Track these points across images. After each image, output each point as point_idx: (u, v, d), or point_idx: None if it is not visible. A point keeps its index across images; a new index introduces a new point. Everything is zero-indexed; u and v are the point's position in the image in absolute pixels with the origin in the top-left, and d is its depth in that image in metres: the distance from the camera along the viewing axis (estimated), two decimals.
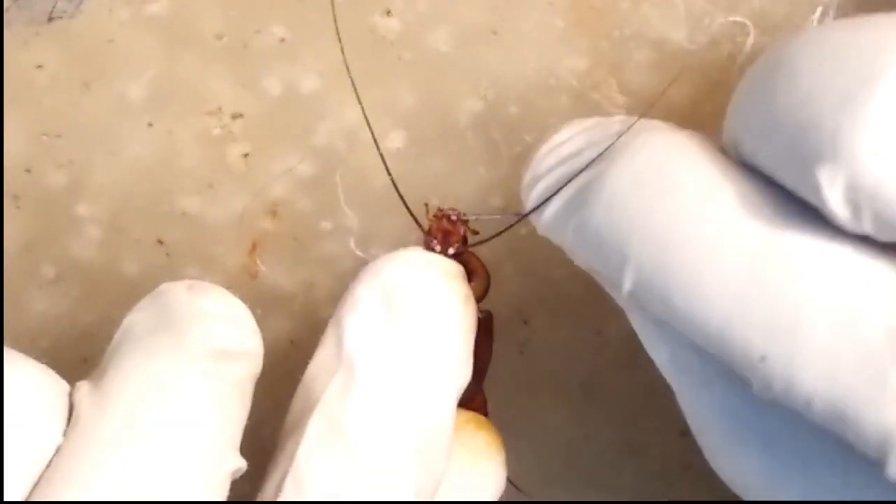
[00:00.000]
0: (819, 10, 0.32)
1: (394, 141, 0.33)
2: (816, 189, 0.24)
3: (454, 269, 0.29)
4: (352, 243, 0.33)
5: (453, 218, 0.30)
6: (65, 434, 0.25)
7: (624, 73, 0.33)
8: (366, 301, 0.27)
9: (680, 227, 0.25)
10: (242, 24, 0.33)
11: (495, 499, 0.29)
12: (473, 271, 0.30)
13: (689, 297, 0.25)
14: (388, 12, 0.33)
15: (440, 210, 0.30)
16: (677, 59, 0.33)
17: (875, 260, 0.24)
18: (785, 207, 0.25)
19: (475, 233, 0.30)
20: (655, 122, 0.28)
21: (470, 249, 0.30)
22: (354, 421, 0.26)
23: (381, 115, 0.33)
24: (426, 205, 0.30)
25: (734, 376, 0.25)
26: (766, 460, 0.26)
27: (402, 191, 0.30)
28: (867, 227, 0.24)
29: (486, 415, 0.30)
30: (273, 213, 0.34)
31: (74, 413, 0.25)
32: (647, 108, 0.30)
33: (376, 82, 0.33)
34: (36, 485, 0.24)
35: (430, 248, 0.30)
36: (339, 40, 0.31)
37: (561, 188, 0.27)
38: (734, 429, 0.26)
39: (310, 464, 0.26)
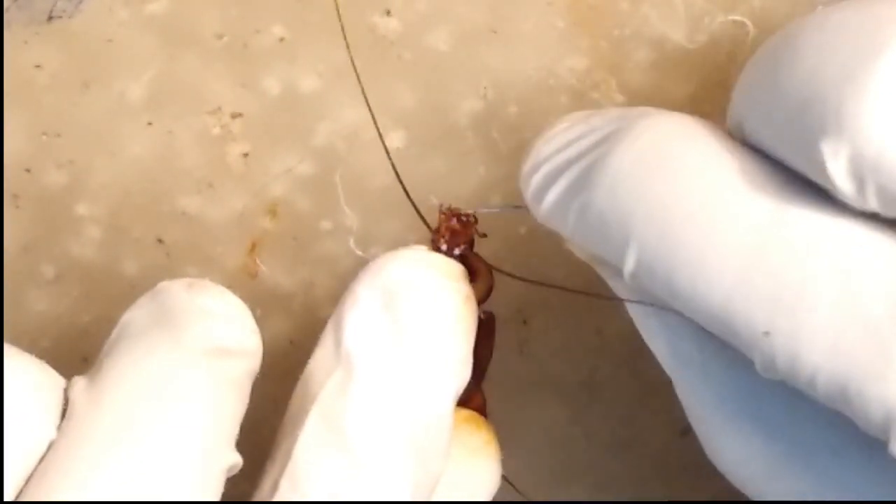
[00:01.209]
0: (818, 9, 0.32)
1: (394, 141, 0.33)
2: (820, 163, 0.24)
3: (456, 269, 0.29)
4: (351, 243, 0.33)
5: (463, 218, 0.30)
6: (59, 429, 0.25)
7: (623, 73, 0.33)
8: (366, 300, 0.27)
9: (683, 204, 0.25)
10: (242, 24, 0.33)
11: (490, 496, 0.29)
12: (476, 272, 0.30)
13: (692, 274, 0.25)
14: (388, 12, 0.33)
15: (450, 209, 0.30)
16: (677, 58, 0.33)
17: (880, 234, 0.24)
18: (789, 184, 0.25)
19: (483, 236, 0.30)
20: (657, 109, 0.28)
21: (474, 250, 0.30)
22: (352, 419, 0.26)
23: (381, 114, 0.33)
24: (441, 206, 0.30)
25: (735, 366, 0.25)
26: (767, 448, 0.26)
27: (401, 191, 0.30)
28: (872, 202, 0.24)
29: (484, 414, 0.30)
30: (273, 212, 0.34)
31: (69, 408, 0.25)
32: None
33: (376, 82, 0.33)
34: (28, 480, 0.24)
35: (436, 246, 0.29)
36: (347, 42, 0.31)
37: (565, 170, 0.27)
38: (735, 418, 0.26)
39: (306, 462, 0.26)
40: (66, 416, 0.25)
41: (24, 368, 0.25)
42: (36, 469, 0.24)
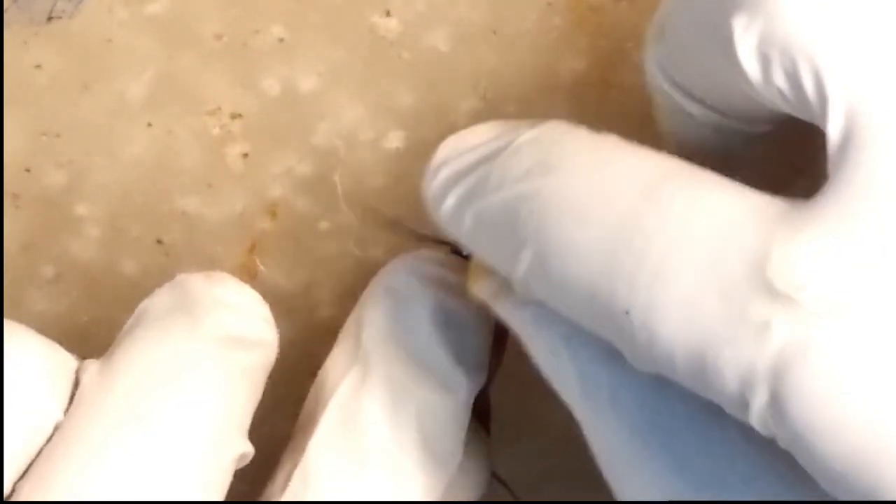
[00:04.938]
0: None
1: (393, 141, 0.33)
2: (728, 40, 0.23)
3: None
4: (351, 243, 0.33)
5: None
6: (67, 412, 0.25)
7: (623, 73, 0.33)
8: (385, 299, 0.27)
9: (571, 199, 0.24)
10: (241, 24, 0.33)
11: (480, 494, 0.29)
12: None
13: (564, 261, 0.24)
14: (388, 12, 0.33)
15: None
16: None
17: (756, 201, 0.23)
18: (669, 168, 0.24)
19: None
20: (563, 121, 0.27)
21: None
22: (367, 419, 0.26)
23: (381, 114, 0.33)
24: None
25: (646, 394, 0.25)
26: (678, 483, 0.24)
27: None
28: (778, 82, 0.23)
29: (489, 415, 0.30)
30: (272, 212, 0.34)
31: (79, 390, 0.25)
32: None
33: (376, 82, 0.33)
34: (34, 462, 0.24)
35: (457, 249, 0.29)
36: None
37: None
38: (646, 450, 0.25)
39: (319, 458, 0.26)
40: (76, 398, 0.25)
41: (34, 348, 0.25)
42: (41, 451, 0.24)
